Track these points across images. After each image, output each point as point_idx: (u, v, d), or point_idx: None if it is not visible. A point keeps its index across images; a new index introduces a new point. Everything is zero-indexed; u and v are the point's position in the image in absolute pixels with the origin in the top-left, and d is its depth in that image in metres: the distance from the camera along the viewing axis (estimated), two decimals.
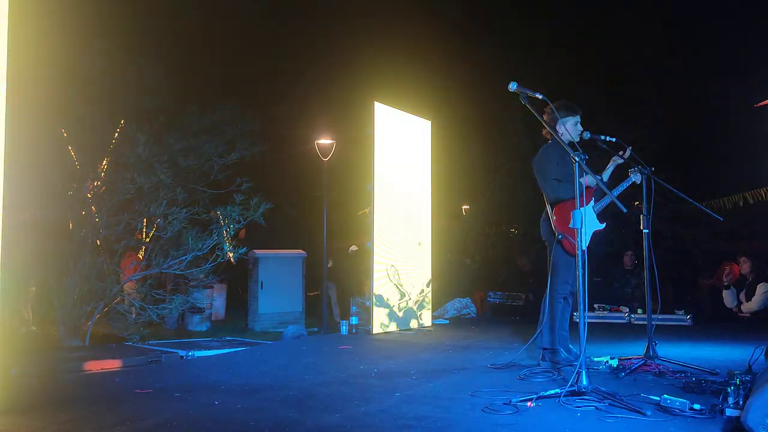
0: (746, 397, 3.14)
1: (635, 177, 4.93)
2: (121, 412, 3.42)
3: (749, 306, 8.30)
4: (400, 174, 7.66)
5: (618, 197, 4.38)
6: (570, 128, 4.81)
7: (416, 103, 8.56)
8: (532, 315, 5.81)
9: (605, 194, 4.87)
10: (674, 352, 5.31)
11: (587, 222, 4.80)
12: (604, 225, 4.94)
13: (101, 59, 6.38)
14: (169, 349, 5.71)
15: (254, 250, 8.66)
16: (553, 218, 4.76)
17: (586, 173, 3.91)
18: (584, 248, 4.77)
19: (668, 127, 11.99)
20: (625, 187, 4.94)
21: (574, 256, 4.64)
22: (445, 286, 10.20)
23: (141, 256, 7.28)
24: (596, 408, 3.38)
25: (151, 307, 6.55)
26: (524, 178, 10.69)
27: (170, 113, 6.95)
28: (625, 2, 13.58)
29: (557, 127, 4.75)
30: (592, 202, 4.93)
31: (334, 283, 9.83)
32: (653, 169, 4.95)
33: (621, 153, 4.92)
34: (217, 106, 7.32)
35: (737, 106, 10.76)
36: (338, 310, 9.80)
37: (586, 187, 4.76)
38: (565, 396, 3.51)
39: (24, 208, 6.21)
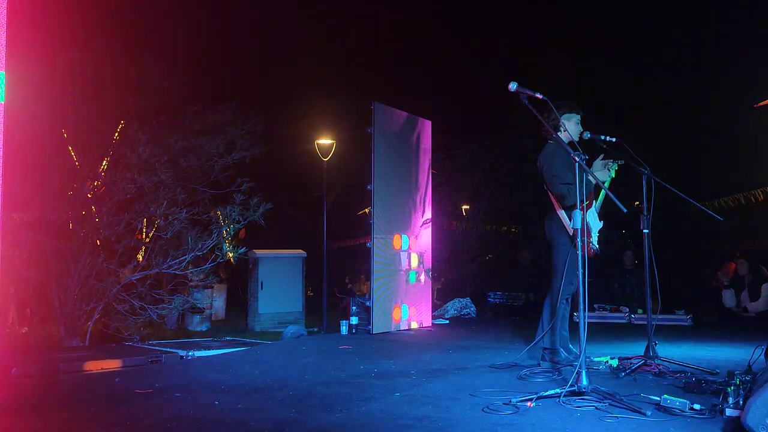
0: (746, 397, 3.14)
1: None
2: (121, 412, 3.42)
3: (755, 306, 8.33)
4: (399, 174, 7.65)
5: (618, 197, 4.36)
6: (570, 127, 4.80)
7: (416, 103, 8.56)
8: (532, 315, 5.81)
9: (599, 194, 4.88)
10: (674, 352, 5.31)
11: (593, 222, 4.80)
12: (602, 223, 4.93)
13: (102, 59, 6.38)
14: (169, 349, 5.71)
15: (254, 250, 8.66)
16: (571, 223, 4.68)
17: (587, 173, 3.91)
18: (596, 249, 4.77)
19: (668, 126, 11.99)
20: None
21: (589, 258, 4.59)
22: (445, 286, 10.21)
23: (141, 257, 7.28)
24: (596, 408, 3.38)
25: (151, 307, 6.54)
26: (524, 178, 10.70)
27: (171, 113, 6.95)
28: (625, 2, 13.59)
29: (558, 126, 4.74)
30: (596, 203, 4.92)
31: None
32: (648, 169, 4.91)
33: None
34: (218, 106, 7.32)
35: (737, 106, 10.76)
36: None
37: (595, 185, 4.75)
38: (565, 396, 3.51)
39: (24, 208, 6.21)
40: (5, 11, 3.55)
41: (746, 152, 10.64)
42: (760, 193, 10.94)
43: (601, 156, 4.88)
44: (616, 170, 4.87)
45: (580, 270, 3.75)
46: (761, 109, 9.10)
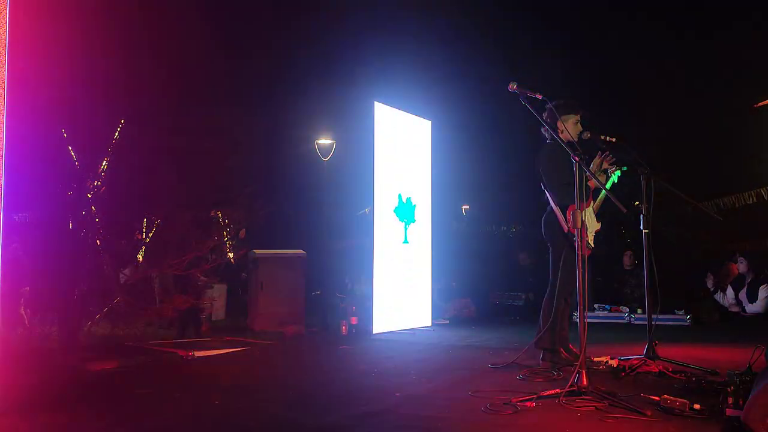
0: (746, 397, 3.14)
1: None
2: (121, 412, 3.43)
3: (752, 308, 8.34)
4: (400, 174, 7.65)
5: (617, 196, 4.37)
6: (570, 127, 4.80)
7: (416, 103, 8.56)
8: (532, 315, 5.81)
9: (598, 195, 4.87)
10: (674, 352, 5.31)
11: (589, 222, 4.80)
12: (599, 225, 4.93)
13: (102, 58, 6.37)
14: (169, 349, 5.71)
15: (254, 250, 8.66)
16: (568, 222, 4.69)
17: (587, 174, 3.91)
18: (592, 247, 4.78)
19: (668, 126, 12.00)
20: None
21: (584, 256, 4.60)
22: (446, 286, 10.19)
23: (141, 257, 7.28)
24: (596, 408, 3.38)
25: (151, 307, 6.54)
26: (524, 178, 10.69)
27: (172, 113, 6.94)
28: (624, 2, 13.59)
29: (557, 126, 4.74)
30: (593, 204, 4.92)
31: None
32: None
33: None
34: (220, 106, 7.31)
35: (737, 106, 10.76)
36: None
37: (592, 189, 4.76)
38: (565, 396, 3.51)
39: (24, 208, 6.20)
40: (6, 11, 3.56)
41: (746, 152, 10.64)
42: (761, 192, 10.95)
43: (598, 154, 4.88)
44: (618, 176, 4.88)
45: (579, 270, 3.75)
46: (761, 109, 9.10)
